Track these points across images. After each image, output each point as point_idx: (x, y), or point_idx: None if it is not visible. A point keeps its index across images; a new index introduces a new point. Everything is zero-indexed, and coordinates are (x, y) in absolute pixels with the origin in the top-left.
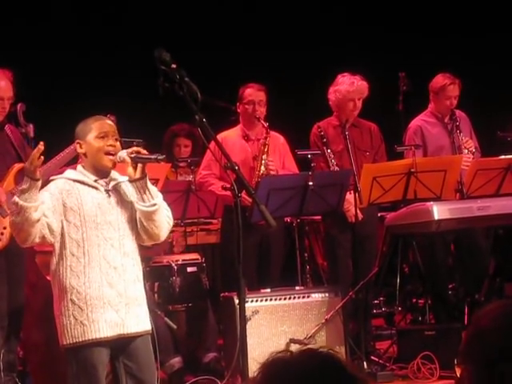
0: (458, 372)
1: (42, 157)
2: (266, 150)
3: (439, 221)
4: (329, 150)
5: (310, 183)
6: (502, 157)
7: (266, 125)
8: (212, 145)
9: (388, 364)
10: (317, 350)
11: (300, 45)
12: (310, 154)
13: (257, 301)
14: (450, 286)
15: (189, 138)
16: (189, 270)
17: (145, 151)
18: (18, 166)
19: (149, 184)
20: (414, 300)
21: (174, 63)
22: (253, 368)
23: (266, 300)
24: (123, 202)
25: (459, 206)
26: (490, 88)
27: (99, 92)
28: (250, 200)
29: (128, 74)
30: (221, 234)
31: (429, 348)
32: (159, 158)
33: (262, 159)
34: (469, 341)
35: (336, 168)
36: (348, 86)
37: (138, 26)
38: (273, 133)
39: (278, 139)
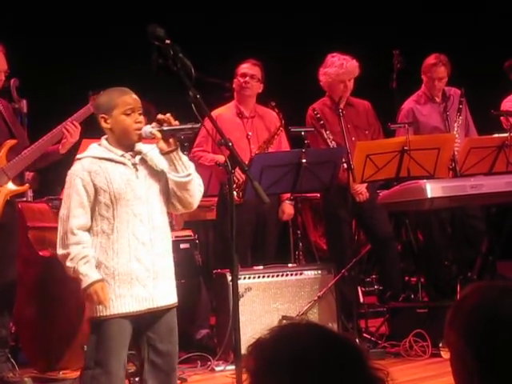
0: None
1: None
2: (272, 141)
3: (432, 199)
4: (327, 132)
5: (303, 160)
6: (496, 135)
7: (280, 116)
8: (206, 121)
9: (380, 342)
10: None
11: (294, 21)
12: (304, 131)
13: (250, 278)
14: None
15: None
16: (181, 246)
17: (176, 122)
18: (10, 143)
19: (181, 154)
20: (407, 278)
21: (167, 39)
22: (245, 345)
23: (259, 277)
24: (152, 174)
25: (452, 184)
26: (485, 65)
27: (92, 68)
28: (244, 176)
29: (121, 50)
30: (216, 210)
31: (421, 326)
32: (194, 126)
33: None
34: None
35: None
36: (337, 68)
37: (132, 2)
38: (265, 108)
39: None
